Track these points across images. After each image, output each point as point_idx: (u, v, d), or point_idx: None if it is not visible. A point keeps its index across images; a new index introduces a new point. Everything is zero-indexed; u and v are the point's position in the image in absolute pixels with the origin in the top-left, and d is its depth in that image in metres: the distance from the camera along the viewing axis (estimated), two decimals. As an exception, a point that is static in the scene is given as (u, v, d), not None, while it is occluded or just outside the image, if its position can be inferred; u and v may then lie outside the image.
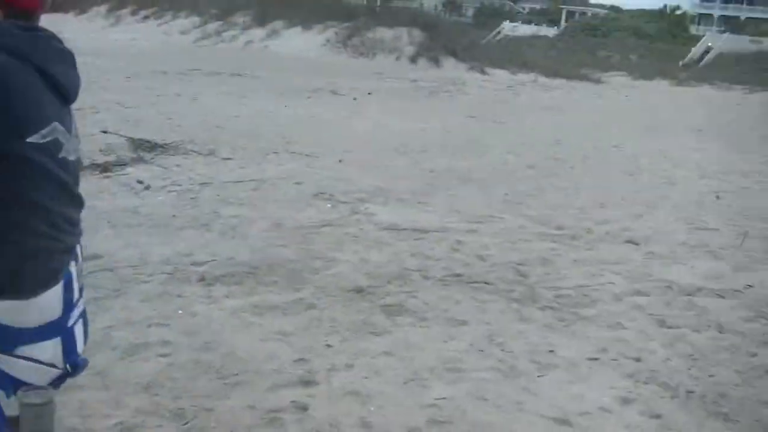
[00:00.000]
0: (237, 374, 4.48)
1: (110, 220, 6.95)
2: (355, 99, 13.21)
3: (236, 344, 4.82)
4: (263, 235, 6.73)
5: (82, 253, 2.36)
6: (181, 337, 4.88)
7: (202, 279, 5.77)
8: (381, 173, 8.86)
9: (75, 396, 4.07)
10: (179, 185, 8.01)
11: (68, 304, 2.20)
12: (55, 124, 2.13)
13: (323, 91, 14.06)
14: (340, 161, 9.20)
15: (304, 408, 4.18)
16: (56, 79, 2.16)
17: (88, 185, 7.66)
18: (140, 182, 7.97)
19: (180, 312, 5.23)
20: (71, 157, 2.22)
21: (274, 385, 4.38)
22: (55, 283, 2.15)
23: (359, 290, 5.67)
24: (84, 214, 6.15)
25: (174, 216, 7.10)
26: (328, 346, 4.86)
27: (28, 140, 2.04)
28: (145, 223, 6.93)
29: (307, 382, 4.43)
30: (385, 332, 5.09)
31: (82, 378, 4.24)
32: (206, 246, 6.44)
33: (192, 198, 7.64)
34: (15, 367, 2.09)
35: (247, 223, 6.98)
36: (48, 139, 2.10)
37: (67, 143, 2.19)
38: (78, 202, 2.30)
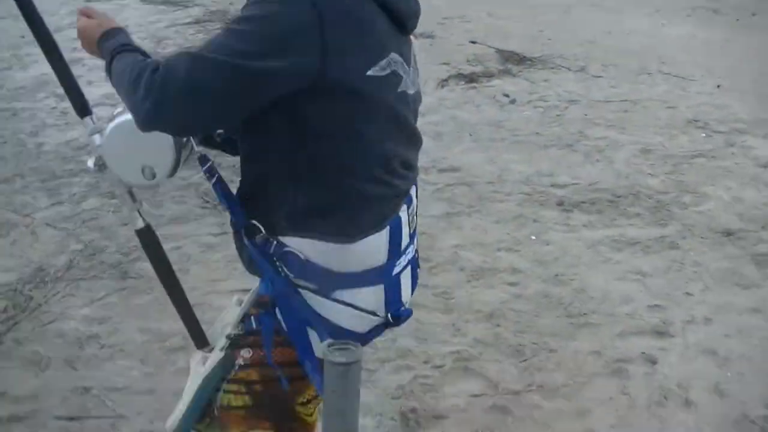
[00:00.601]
0: (586, 314, 4.14)
1: (473, 132, 6.72)
2: (737, 20, 12.01)
3: (589, 281, 4.46)
4: (630, 160, 6.20)
5: (417, 194, 2.12)
6: (532, 267, 4.60)
7: (560, 203, 5.40)
8: (762, 102, 7.92)
9: (414, 315, 3.90)
10: (546, 101, 7.59)
11: (394, 251, 1.98)
12: (393, 55, 1.88)
13: (703, 9, 12.92)
14: (718, 87, 8.32)
15: (653, 361, 3.79)
16: (391, 5, 1.90)
17: (453, 95, 7.61)
18: (506, 96, 7.63)
19: (533, 238, 4.92)
20: (411, 91, 1.98)
21: (624, 332, 4.00)
22: (381, 228, 1.93)
23: (729, 233, 5.04)
24: (447, 125, 5.98)
25: (538, 133, 6.73)
26: (688, 294, 4.35)
27: (368, 73, 1.80)
28: (508, 138, 6.63)
29: (660, 333, 4.00)
30: (754, 285, 4.47)
31: (424, 297, 4.11)
32: (569, 168, 6.04)
33: (558, 115, 7.20)
34: (332, 310, 1.94)
35: (613, 147, 6.46)
36: (387, 71, 1.85)
37: (406, 76, 1.94)
38: (416, 141, 2.07)
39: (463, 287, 4.36)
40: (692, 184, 5.78)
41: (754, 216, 5.29)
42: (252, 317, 2.02)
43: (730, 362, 3.78)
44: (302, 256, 1.87)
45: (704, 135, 6.82)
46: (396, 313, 2.02)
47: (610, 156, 6.29)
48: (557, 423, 3.38)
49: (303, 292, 1.92)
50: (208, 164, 2.00)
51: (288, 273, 1.91)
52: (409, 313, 2.07)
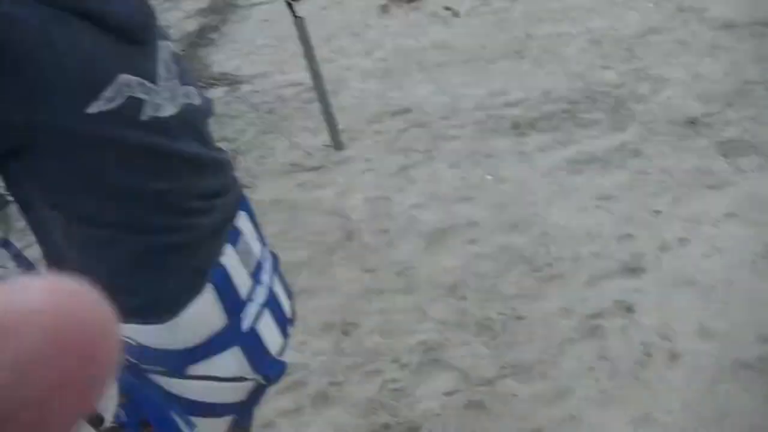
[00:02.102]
0: (550, 264, 3.65)
1: (420, 60, 6.10)
2: None
3: (550, 219, 3.95)
4: (581, 56, 5.60)
5: (252, 214, 1.70)
6: (489, 215, 4.09)
7: (515, 126, 4.86)
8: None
9: (377, 305, 3.48)
10: (488, 4, 6.93)
11: (233, 307, 1.56)
12: (124, 77, 1.35)
13: None
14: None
15: (629, 308, 3.29)
16: (105, 17, 1.36)
17: (395, 21, 6.94)
18: (447, 9, 6.99)
19: (489, 178, 4.41)
20: (167, 113, 1.44)
21: (593, 278, 3.50)
22: (199, 290, 1.50)
23: (692, 122, 4.49)
24: (394, 59, 5.40)
25: (484, 46, 6.12)
26: (656, 212, 3.84)
27: (87, 111, 1.30)
28: (455, 60, 6.02)
29: (632, 270, 3.50)
30: (726, 183, 3.95)
31: (386, 279, 3.68)
32: (520, 79, 5.46)
33: (502, 19, 6.56)
34: (193, 389, 1.58)
35: (562, 43, 5.85)
36: (118, 101, 1.33)
37: (150, 97, 1.40)
38: (205, 166, 1.57)
39: (422, 256, 3.88)
40: (648, 67, 5.21)
41: (714, 93, 4.73)
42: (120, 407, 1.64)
43: (712, 291, 3.30)
44: (134, 342, 1.48)
45: (652, 5, 6.18)
46: (266, 373, 1.62)
47: (558, 55, 5.70)
48: (537, 411, 2.95)
49: (155, 377, 1.55)
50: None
51: (131, 360, 1.53)
52: (281, 369, 1.66)
